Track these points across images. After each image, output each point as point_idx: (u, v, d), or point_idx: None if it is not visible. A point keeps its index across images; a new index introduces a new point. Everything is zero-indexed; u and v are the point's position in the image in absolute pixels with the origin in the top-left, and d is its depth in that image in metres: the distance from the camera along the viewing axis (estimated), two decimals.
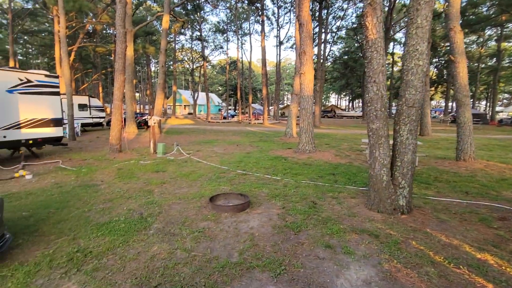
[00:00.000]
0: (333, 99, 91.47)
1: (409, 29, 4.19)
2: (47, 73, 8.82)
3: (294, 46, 28.36)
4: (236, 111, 55.06)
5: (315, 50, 24.65)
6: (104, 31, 35.23)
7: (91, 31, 31.27)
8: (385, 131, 4.18)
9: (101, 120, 20.47)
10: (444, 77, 34.25)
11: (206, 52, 41.32)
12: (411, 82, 4.09)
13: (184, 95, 59.54)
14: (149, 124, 10.33)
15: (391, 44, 35.88)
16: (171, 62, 39.70)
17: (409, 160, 4.11)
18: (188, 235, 3.40)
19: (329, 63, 42.73)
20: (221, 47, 44.12)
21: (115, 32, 8.93)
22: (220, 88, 75.07)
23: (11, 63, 23.22)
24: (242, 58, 41.12)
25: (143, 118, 20.62)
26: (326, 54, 33.34)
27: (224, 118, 40.86)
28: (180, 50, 45.32)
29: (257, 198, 4.88)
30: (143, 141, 13.18)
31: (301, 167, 7.53)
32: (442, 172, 6.94)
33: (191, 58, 45.38)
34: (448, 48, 29.69)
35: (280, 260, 2.86)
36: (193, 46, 42.89)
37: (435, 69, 37.28)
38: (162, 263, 2.77)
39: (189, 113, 53.72)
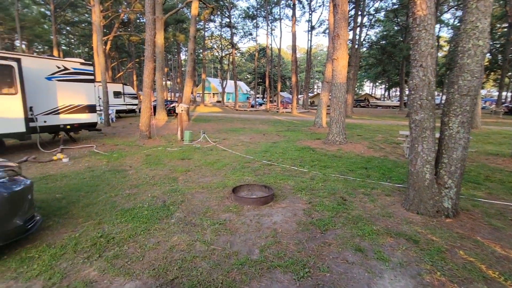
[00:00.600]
0: (367, 88, 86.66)
1: (468, 2, 3.55)
2: (82, 61, 9.25)
3: (327, 31, 26.93)
4: (264, 100, 54.64)
5: (350, 34, 23.12)
6: (138, 20, 36.41)
7: (125, 20, 32.48)
8: (431, 122, 3.67)
9: (134, 107, 21.45)
10: (499, 63, 30.28)
11: (235, 39, 41.03)
12: (467, 66, 3.49)
13: (213, 83, 60.35)
14: (176, 112, 10.49)
15: (437, 26, 32.47)
16: (201, 50, 40.13)
17: (459, 157, 3.58)
18: (208, 227, 3.32)
19: (364, 49, 40.13)
20: (250, 34, 43.50)
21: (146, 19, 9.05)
22: (249, 76, 74.73)
23: (55, 53, 25.05)
24: (271, 44, 40.24)
25: (172, 105, 21.21)
26: (362, 39, 31.25)
27: (252, 106, 40.74)
28: (210, 38, 45.52)
29: (282, 190, 4.66)
30: (172, 128, 13.52)
31: (330, 159, 7.12)
32: (495, 171, 6.11)
33: (220, 45, 45.45)
34: (506, 30, 25.97)
35: (304, 261, 2.64)
36: (222, 33, 42.81)
37: (489, 54, 33.16)
38: (180, 255, 2.71)
39: (218, 101, 54.45)
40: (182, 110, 10.23)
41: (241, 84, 62.65)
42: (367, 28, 35.11)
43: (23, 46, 34.02)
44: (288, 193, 4.54)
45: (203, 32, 38.43)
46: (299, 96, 49.65)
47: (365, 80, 73.65)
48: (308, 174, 5.72)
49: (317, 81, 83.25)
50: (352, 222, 3.48)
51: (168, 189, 4.69)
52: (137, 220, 3.44)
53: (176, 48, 44.42)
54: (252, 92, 62.69)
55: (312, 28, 37.33)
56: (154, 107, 17.20)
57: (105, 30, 23.93)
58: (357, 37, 26.29)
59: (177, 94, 47.30)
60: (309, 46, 37.68)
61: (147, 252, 2.76)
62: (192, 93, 19.14)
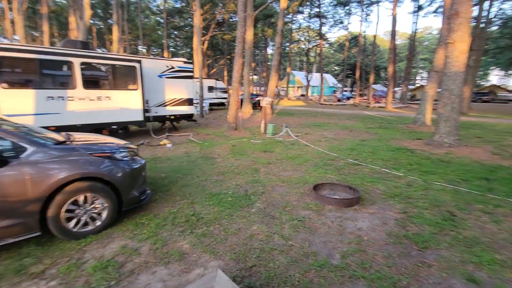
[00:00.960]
0: (494, 77, 68.79)
1: None
2: (185, 60, 10.71)
3: (440, 9, 22.58)
4: (352, 93, 50.82)
5: (474, 11, 18.61)
6: (230, 19, 39.54)
7: (220, 20, 35.80)
8: None
9: (224, 100, 23.63)
10: None
11: (324, 29, 39.39)
12: None
13: (297, 76, 60.06)
14: (261, 105, 10.94)
15: None
16: (287, 43, 40.36)
17: None
18: (287, 222, 3.32)
19: (495, 28, 31.74)
20: (341, 22, 40.85)
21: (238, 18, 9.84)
22: (336, 68, 70.79)
23: (165, 54, 30.00)
24: (364, 32, 36.72)
25: (258, 99, 22.27)
26: (491, 15, 24.76)
27: (339, 100, 38.54)
28: (297, 30, 45.23)
29: (370, 194, 4.23)
30: (256, 121, 14.21)
31: (435, 164, 6.01)
32: None
33: (307, 37, 44.58)
34: None
35: (395, 278, 2.32)
36: (310, 24, 41.81)
37: None
38: (259, 245, 2.81)
39: (302, 95, 53.97)
40: (266, 104, 10.59)
41: (327, 76, 60.03)
42: (500, 0, 27.49)
43: (144, 50, 42.22)
44: (377, 198, 4.08)
45: (291, 25, 38.45)
46: (396, 89, 43.79)
47: (493, 67, 58.40)
48: (403, 179, 4.99)
49: (420, 71, 71.37)
50: (463, 244, 2.84)
51: (250, 179, 4.95)
52: (222, 205, 3.76)
53: (264, 43, 46.14)
54: (339, 85, 59.21)
55: (419, 8, 32.01)
56: (241, 101, 18.46)
57: (203, 32, 27.07)
58: (484, 13, 20.96)
59: (262, 88, 49.31)
60: (413, 29, 32.53)
61: (230, 236, 2.98)
62: (276, 87, 19.69)
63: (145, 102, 8.90)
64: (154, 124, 10.54)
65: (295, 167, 5.82)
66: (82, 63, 7.54)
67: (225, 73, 44.86)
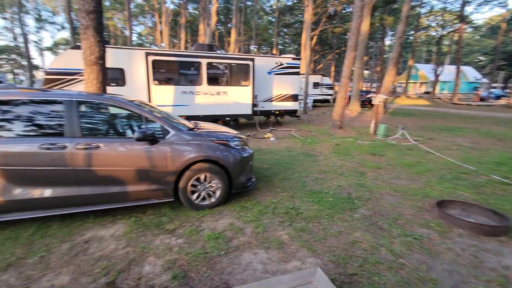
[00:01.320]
0: None
1: None
2: (294, 56, 10.98)
3: None
4: (505, 91, 39.17)
5: None
6: (343, 11, 37.58)
7: (332, 13, 34.60)
8: None
9: (329, 97, 22.91)
10: None
11: (468, 10, 31.73)
12: None
13: (422, 70, 51.16)
14: (373, 103, 9.98)
15: None
16: (411, 32, 34.92)
17: None
18: (398, 236, 2.94)
19: None
20: None
21: (353, 8, 9.23)
22: (482, 59, 56.09)
23: (274, 51, 31.62)
24: None
25: (368, 96, 20.42)
26: None
27: (482, 99, 30.63)
28: (427, 15, 38.35)
29: None
30: (364, 120, 13.10)
31: None
32: None
33: (440, 22, 37.14)
34: None
35: None
36: (446, 6, 34.58)
37: None
38: (362, 254, 2.61)
39: (426, 92, 45.73)
40: (379, 102, 9.57)
41: (466, 69, 48.36)
42: None
43: (255, 49, 45.95)
44: None
45: (418, 9, 32.96)
46: None
47: None
48: None
49: None
50: None
51: (355, 182, 4.63)
52: (322, 204, 3.70)
53: (381, 33, 41.61)
54: (484, 80, 46.82)
55: None
56: (349, 98, 17.42)
57: (312, 27, 26.92)
58: None
59: (374, 84, 44.85)
60: None
61: (329, 237, 2.90)
62: (392, 82, 17.36)
63: (254, 97, 9.72)
64: (260, 118, 11.39)
65: (412, 176, 5.04)
66: (208, 63, 8.95)
67: (332, 68, 43.26)
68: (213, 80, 9.25)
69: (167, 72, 8.85)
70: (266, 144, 7.85)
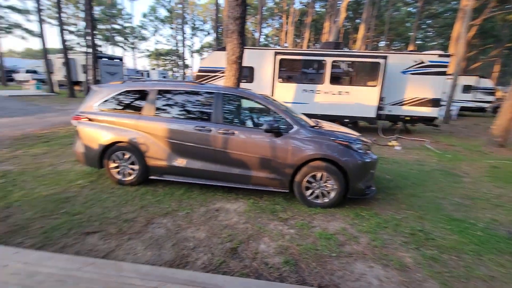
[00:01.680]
0: None
1: None
2: (441, 52, 9.21)
3: None
4: None
5: None
6: None
7: None
8: None
9: (487, 105, 17.97)
10: None
11: None
12: None
13: None
14: None
15: None
16: None
17: None
18: None
19: None
20: None
21: None
22: None
23: (410, 48, 27.54)
24: None
25: None
26: None
27: None
28: None
29: None
30: None
31: None
32: None
33: None
34: None
35: None
36: None
37: None
38: None
39: None
40: None
41: None
42: None
43: (385, 46, 41.48)
44: None
45: None
46: None
47: None
48: None
49: None
50: None
51: None
52: (465, 236, 3.00)
53: None
54: None
55: None
56: None
57: (474, 15, 21.61)
58: None
59: None
60: None
61: (474, 279, 2.33)
62: None
63: (380, 99, 8.84)
64: (384, 123, 10.27)
65: None
66: (333, 61, 8.79)
67: (496, 68, 33.71)
68: (337, 79, 9.01)
69: (291, 70, 9.28)
70: (389, 152, 7.03)
